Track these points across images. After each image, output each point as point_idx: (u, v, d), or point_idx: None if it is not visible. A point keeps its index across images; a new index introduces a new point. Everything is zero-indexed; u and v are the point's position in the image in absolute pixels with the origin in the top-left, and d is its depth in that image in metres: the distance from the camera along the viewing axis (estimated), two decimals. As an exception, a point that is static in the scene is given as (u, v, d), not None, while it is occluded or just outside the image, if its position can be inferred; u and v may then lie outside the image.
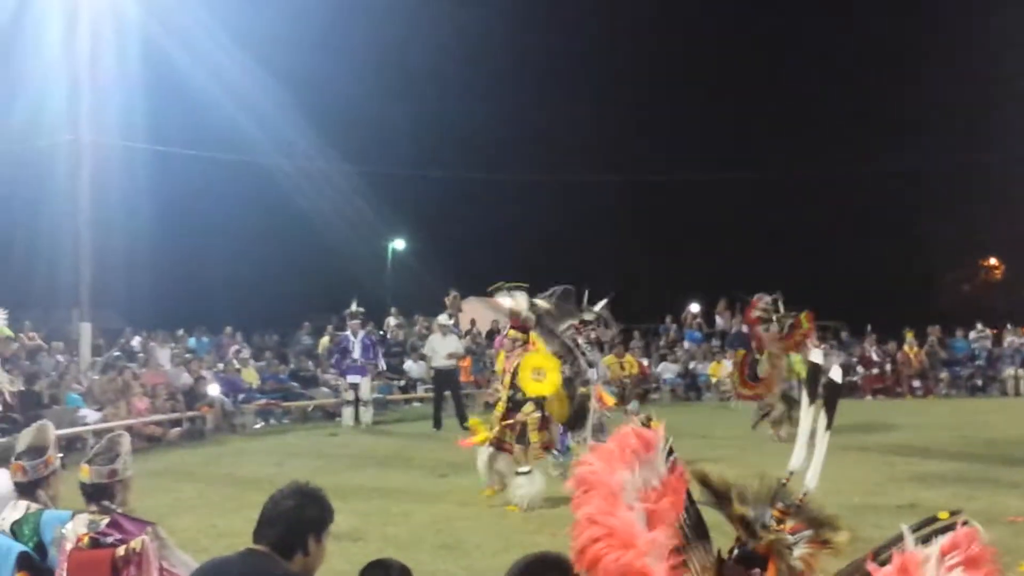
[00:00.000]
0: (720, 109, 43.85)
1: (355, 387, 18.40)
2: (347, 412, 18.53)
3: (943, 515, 2.94)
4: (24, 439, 5.24)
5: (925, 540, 2.84)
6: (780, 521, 3.02)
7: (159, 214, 31.18)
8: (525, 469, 10.43)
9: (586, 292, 12.71)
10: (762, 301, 15.26)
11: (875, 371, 24.58)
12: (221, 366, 19.77)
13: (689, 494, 3.20)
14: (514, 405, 10.70)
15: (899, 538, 2.89)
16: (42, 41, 20.82)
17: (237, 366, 19.80)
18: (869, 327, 25.70)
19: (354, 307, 19.25)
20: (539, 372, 10.65)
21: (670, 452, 3.23)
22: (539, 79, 43.09)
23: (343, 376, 18.57)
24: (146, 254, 31.12)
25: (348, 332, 18.88)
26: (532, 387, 10.60)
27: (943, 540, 2.80)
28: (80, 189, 19.88)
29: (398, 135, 38.43)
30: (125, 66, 21.51)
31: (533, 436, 10.54)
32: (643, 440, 3.12)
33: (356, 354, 18.51)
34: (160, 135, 25.69)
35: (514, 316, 11.13)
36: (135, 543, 4.39)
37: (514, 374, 10.71)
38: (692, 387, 24.67)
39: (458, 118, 39.91)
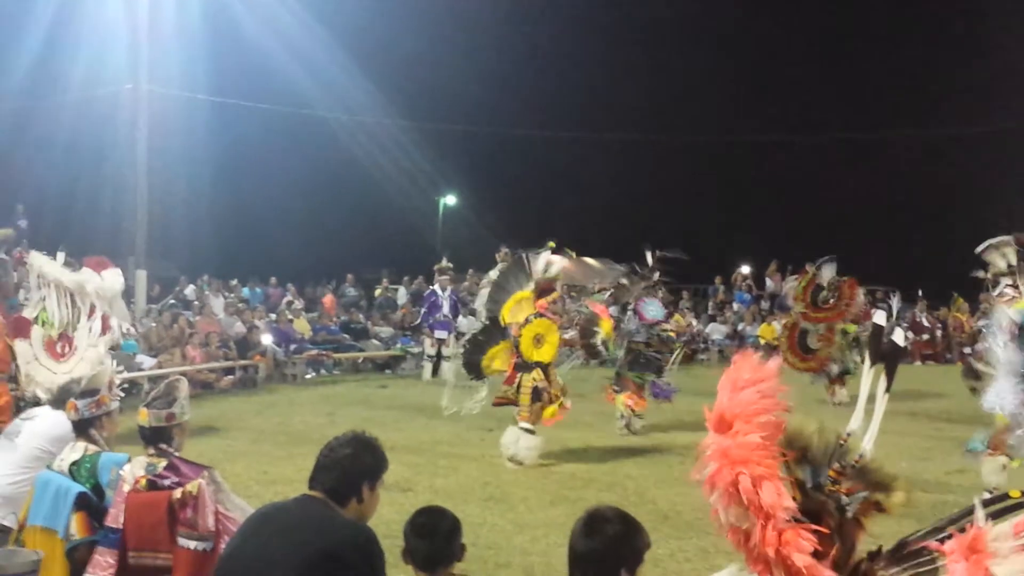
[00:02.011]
0: (779, 71, 43.20)
1: (441, 342, 18.46)
2: (428, 367, 18.57)
3: (1014, 493, 2.86)
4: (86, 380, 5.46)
5: (995, 516, 2.75)
6: (836, 481, 3.00)
7: (217, 165, 31.44)
8: (525, 426, 10.46)
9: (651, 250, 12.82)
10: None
11: (925, 336, 24.34)
12: (274, 316, 19.97)
13: None
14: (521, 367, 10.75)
15: (969, 511, 2.81)
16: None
17: (290, 316, 19.99)
18: (920, 292, 25.31)
19: (444, 263, 19.31)
20: (539, 339, 10.68)
21: None
22: (597, 36, 42.56)
23: (431, 331, 18.61)
24: (204, 205, 31.38)
25: (436, 287, 19.05)
26: (533, 353, 10.68)
27: (1017, 518, 2.72)
28: (138, 138, 20.05)
29: (453, 90, 38.23)
30: (185, 16, 21.62)
31: (524, 399, 10.57)
32: (762, 372, 3.08)
33: (445, 309, 18.67)
34: (219, 86, 25.91)
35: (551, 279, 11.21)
36: (192, 486, 4.47)
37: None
38: (741, 348, 24.53)
39: (513, 73, 39.69)
